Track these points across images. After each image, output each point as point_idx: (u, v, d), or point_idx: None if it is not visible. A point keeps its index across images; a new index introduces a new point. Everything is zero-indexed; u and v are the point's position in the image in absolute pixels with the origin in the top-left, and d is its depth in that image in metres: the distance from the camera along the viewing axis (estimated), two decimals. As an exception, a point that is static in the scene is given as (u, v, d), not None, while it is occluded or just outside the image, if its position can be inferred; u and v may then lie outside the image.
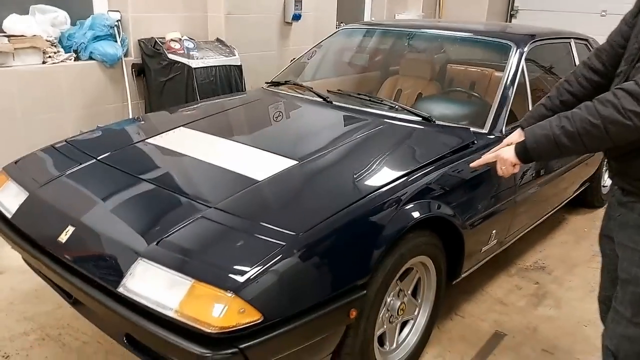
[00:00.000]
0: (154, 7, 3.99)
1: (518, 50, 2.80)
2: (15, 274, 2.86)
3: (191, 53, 3.70)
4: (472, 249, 2.33)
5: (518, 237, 2.87)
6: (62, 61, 3.57)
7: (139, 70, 3.90)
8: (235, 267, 1.56)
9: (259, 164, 2.14)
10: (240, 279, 1.51)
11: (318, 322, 1.63)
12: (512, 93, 2.64)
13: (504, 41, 2.89)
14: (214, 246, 1.69)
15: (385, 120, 2.59)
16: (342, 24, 6.07)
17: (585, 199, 3.85)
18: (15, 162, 2.42)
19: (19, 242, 2.00)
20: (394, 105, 2.73)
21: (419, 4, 6.72)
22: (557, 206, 3.31)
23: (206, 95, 3.67)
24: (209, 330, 1.46)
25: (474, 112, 2.75)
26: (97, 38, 3.70)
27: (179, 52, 3.71)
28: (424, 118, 2.57)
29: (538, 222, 3.08)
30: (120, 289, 1.62)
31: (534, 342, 2.45)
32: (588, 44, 3.64)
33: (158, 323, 1.55)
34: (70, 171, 2.20)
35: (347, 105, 2.80)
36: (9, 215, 2.09)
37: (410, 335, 2.20)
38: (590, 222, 3.81)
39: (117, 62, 3.80)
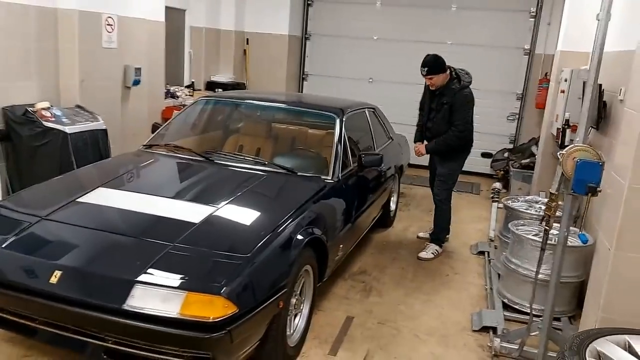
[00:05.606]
0: (10, 76, 4.27)
1: (339, 119, 4.03)
2: None
3: (63, 120, 4.12)
4: (331, 259, 3.40)
5: (349, 251, 4.04)
6: None
7: (4, 136, 4.14)
8: (213, 279, 2.36)
9: (186, 211, 2.90)
10: (220, 286, 2.31)
11: (265, 311, 2.49)
12: (341, 149, 3.83)
13: (329, 113, 4.10)
14: (190, 268, 2.45)
15: (263, 172, 3.55)
16: (167, 85, 6.80)
17: (381, 221, 5.28)
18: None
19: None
20: (264, 162, 3.70)
21: (230, 68, 7.82)
22: (369, 226, 4.63)
23: (81, 159, 4.11)
24: (209, 320, 2.23)
25: (319, 164, 3.87)
26: (-40, 106, 3.88)
27: (51, 119, 4.09)
28: (289, 171, 3.60)
29: (359, 239, 4.33)
30: (126, 307, 2.27)
31: (372, 319, 3.61)
32: (375, 110, 5.13)
33: (161, 325, 2.25)
34: (25, 230, 2.66)
35: (225, 162, 3.68)
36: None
37: (299, 322, 3.14)
38: (386, 238, 5.24)
39: (-19, 129, 4.00)
